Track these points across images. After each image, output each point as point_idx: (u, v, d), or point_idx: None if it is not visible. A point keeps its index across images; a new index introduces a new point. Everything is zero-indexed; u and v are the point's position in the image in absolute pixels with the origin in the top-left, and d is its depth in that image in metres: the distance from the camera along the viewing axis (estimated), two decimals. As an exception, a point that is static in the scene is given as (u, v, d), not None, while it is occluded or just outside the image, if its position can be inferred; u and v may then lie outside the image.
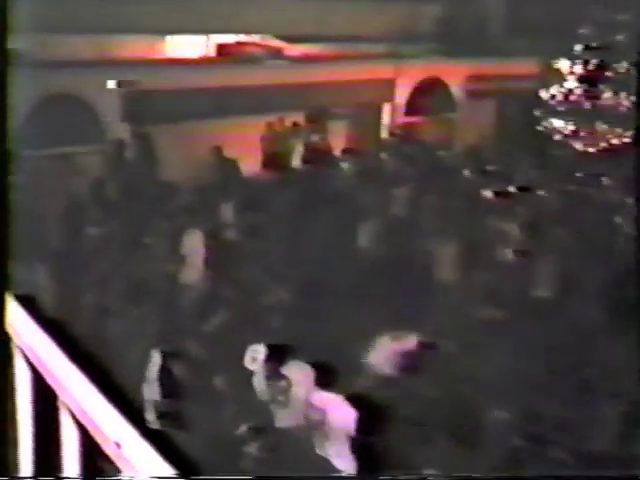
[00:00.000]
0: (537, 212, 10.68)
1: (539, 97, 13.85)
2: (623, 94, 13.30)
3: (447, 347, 6.88)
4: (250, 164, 14.30)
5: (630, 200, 10.52)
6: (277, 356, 6.24)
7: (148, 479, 1.86)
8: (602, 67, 13.26)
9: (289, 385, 6.04)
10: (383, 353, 6.44)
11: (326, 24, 16.78)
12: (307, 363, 6.05)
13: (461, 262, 9.63)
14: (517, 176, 12.12)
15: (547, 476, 4.73)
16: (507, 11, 19.67)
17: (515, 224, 9.91)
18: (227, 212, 10.82)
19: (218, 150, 13.75)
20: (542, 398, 6.96)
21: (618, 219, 10.37)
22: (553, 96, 13.61)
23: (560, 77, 13.62)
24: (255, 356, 6.33)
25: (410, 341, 6.34)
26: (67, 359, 2.21)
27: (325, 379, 5.97)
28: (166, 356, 6.57)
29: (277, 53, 16.87)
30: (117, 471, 2.00)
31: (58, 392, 2.23)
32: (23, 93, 11.58)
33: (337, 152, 15.10)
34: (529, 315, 8.42)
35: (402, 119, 18.11)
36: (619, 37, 12.96)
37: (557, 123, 13.44)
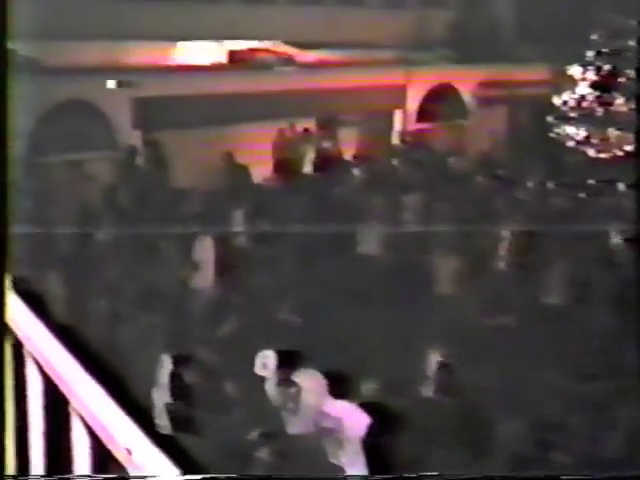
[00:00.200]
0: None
1: (551, 103, 13.81)
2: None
3: (456, 355, 6.87)
4: (261, 170, 14.32)
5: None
6: (287, 363, 6.24)
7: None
8: (614, 73, 13.22)
9: (299, 392, 6.04)
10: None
11: (337, 31, 16.78)
12: (320, 372, 6.05)
13: (466, 272, 9.65)
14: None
15: (549, 476, 4.70)
16: (518, 17, 19.65)
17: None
18: (238, 218, 10.82)
19: (229, 156, 13.75)
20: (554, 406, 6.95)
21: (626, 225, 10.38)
22: (565, 102, 13.57)
23: (572, 83, 13.59)
24: (265, 362, 6.33)
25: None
26: (78, 365, 2.22)
27: (338, 388, 5.97)
28: (177, 361, 6.58)
29: (289, 60, 16.88)
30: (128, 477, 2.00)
31: (69, 398, 2.24)
32: (36, 100, 11.65)
33: (348, 158, 15.12)
34: (539, 322, 8.42)
35: (413, 126, 18.10)
36: (631, 43, 12.92)
37: (569, 129, 13.40)
